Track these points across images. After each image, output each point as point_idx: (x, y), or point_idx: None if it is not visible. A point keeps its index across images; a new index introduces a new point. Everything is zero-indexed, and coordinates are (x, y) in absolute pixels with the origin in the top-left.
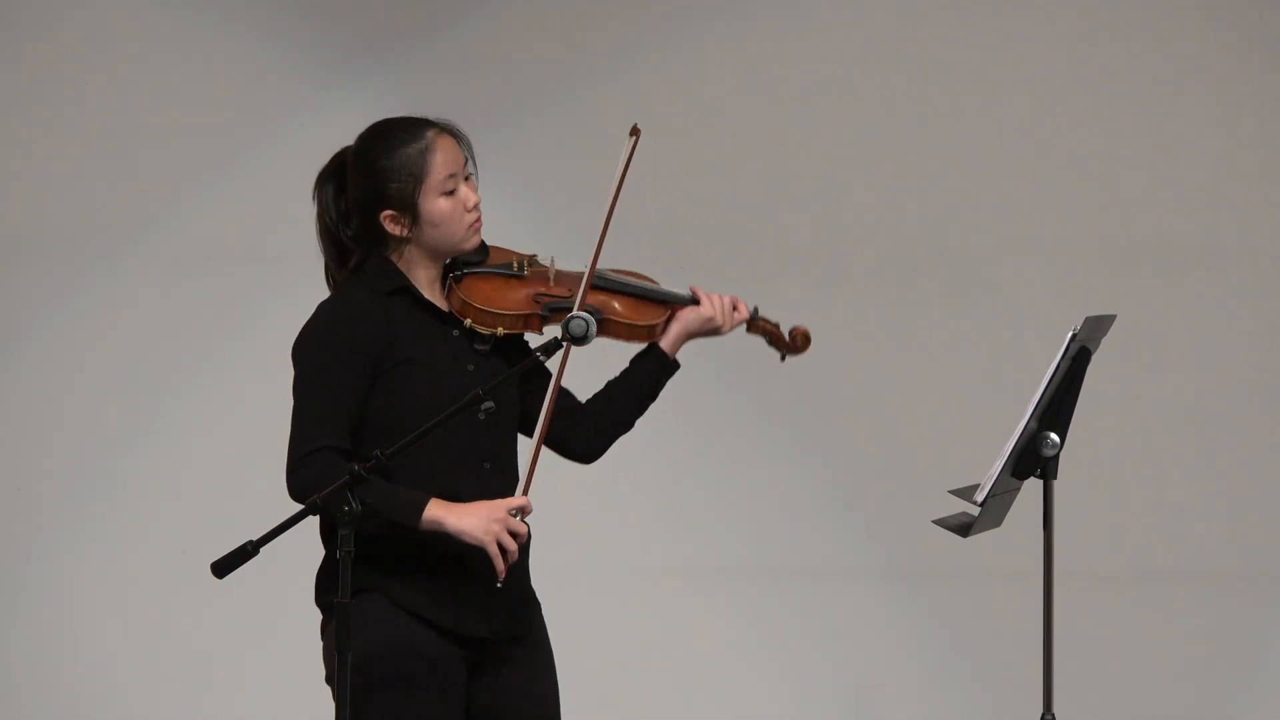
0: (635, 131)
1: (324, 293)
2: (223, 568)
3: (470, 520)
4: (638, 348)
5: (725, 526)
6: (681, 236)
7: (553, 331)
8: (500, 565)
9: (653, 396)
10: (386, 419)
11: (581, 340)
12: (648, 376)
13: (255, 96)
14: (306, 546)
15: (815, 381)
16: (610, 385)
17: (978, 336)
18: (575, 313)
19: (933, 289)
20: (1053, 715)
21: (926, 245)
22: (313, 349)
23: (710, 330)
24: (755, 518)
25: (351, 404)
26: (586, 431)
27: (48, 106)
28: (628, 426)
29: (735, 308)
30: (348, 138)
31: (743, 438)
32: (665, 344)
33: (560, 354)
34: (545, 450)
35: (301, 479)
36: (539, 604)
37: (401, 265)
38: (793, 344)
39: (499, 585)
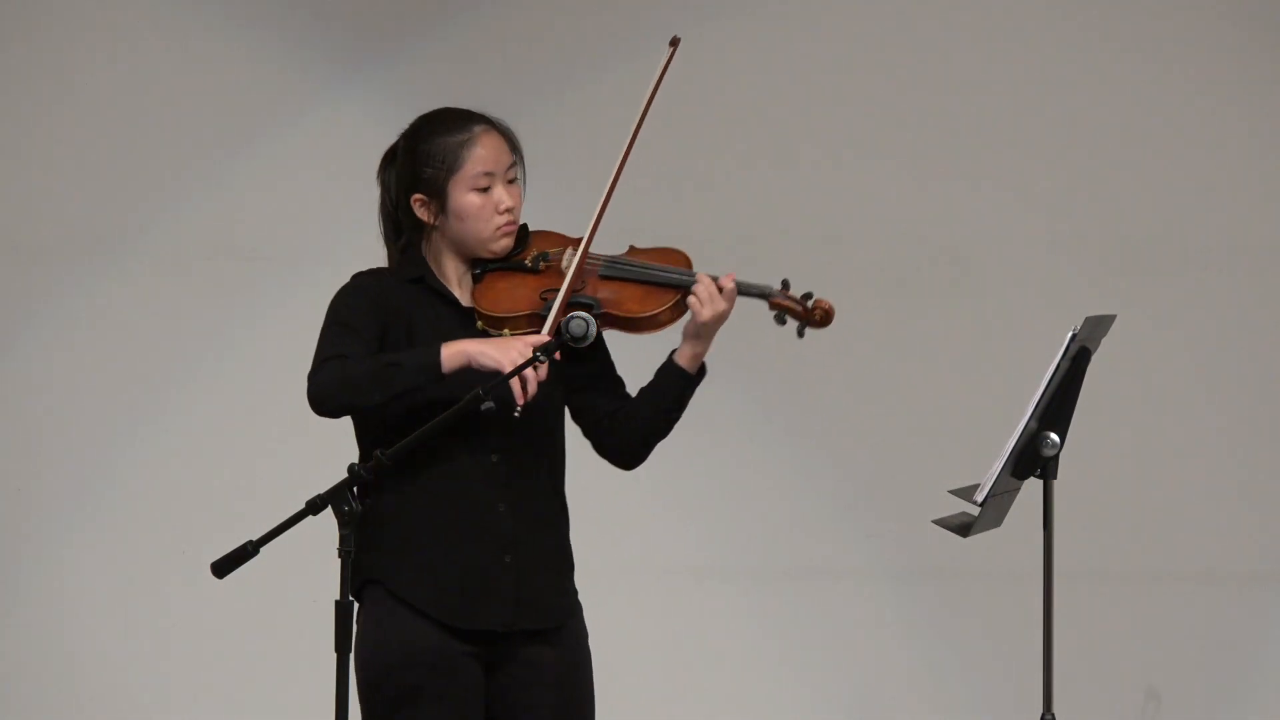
0: (675, 42)
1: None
2: (223, 568)
3: (490, 345)
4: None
5: (725, 526)
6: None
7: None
8: (518, 391)
9: (678, 408)
10: (395, 405)
11: (582, 340)
12: (669, 389)
13: (255, 95)
14: (307, 546)
15: (815, 381)
16: (641, 393)
17: (978, 336)
18: (576, 312)
19: (932, 289)
20: (1053, 715)
21: (926, 245)
22: (334, 301)
23: (713, 323)
24: (755, 518)
25: (369, 337)
26: (622, 438)
27: (46, 105)
28: (661, 435)
29: (721, 289)
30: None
31: (742, 437)
32: (682, 359)
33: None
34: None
35: (317, 384)
36: (578, 605)
37: (430, 255)
38: (810, 315)
39: (516, 414)
